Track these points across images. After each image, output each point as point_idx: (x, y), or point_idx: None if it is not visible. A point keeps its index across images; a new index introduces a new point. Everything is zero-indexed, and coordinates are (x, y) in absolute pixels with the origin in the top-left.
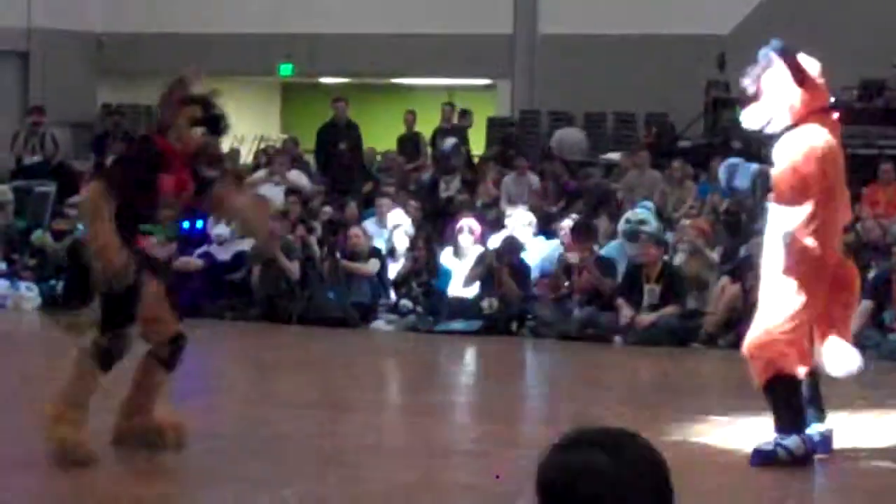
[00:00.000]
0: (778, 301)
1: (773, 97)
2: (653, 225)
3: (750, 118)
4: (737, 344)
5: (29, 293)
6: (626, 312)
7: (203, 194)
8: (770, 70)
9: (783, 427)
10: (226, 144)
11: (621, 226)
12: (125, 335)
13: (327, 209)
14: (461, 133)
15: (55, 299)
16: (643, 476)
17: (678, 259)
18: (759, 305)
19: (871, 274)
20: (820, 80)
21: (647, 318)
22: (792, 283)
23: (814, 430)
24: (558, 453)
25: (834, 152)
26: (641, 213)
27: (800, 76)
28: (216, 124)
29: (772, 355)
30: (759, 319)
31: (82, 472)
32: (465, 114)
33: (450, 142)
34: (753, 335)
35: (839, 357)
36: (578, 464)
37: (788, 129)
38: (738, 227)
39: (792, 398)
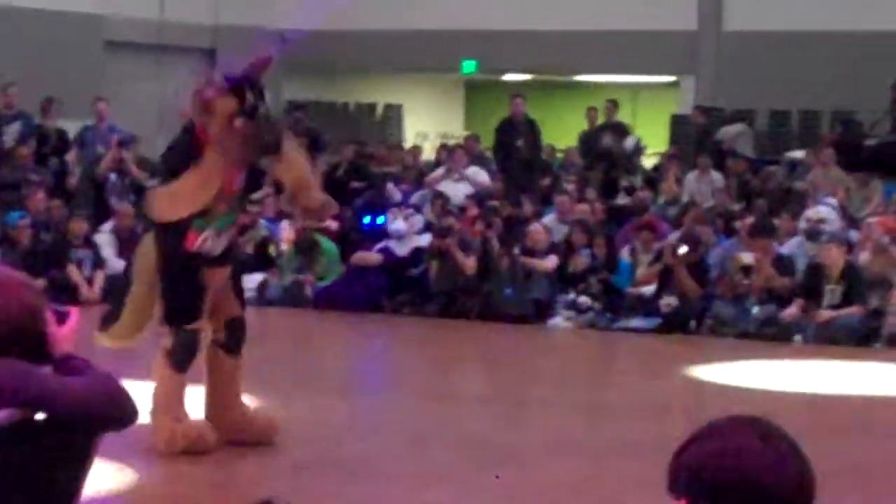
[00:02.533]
0: None
1: None
2: (834, 224)
3: None
4: None
5: None
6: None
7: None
8: None
9: None
10: (409, 141)
11: (802, 224)
12: (192, 331)
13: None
14: (620, 130)
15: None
16: (793, 457)
17: (862, 258)
18: None
19: None
20: None
21: (825, 314)
22: None
23: None
24: (705, 440)
25: None
26: (823, 211)
27: None
28: (253, 112)
29: None
30: None
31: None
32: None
33: (631, 141)
34: None
35: None
36: (732, 447)
37: None
38: None
39: None
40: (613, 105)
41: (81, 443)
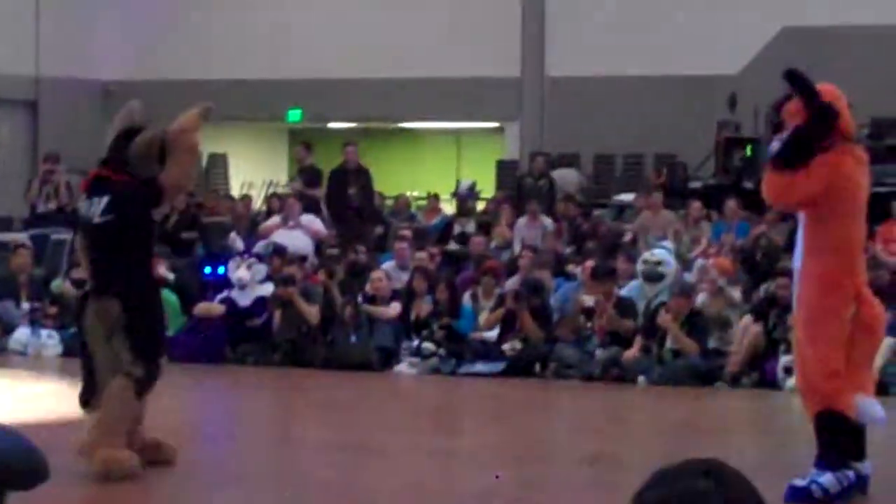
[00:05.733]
0: (824, 333)
1: (793, 126)
2: (671, 265)
3: (773, 148)
4: (760, 383)
5: (50, 341)
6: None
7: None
8: (792, 99)
9: (822, 463)
10: (235, 189)
11: (639, 266)
12: (158, 364)
13: (350, 254)
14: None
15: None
16: (748, 499)
17: (700, 299)
18: (804, 337)
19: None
20: (842, 109)
21: (667, 318)
22: (832, 315)
23: (852, 469)
24: (659, 485)
25: (855, 180)
26: (659, 253)
27: (814, 105)
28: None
29: (827, 388)
30: (808, 350)
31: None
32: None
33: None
34: (809, 366)
35: (864, 406)
36: (686, 492)
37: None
38: (755, 265)
39: (837, 435)
40: (306, 149)
41: None
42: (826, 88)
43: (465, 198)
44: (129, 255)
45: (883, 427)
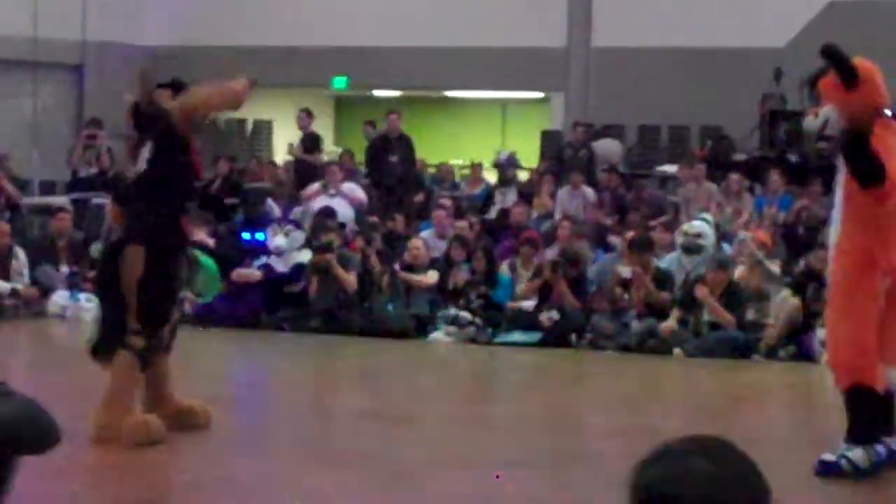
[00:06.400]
0: (857, 308)
1: (828, 100)
2: (710, 238)
3: (808, 122)
4: (797, 356)
5: (89, 304)
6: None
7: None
8: (828, 72)
9: (852, 437)
10: (279, 157)
11: (678, 238)
12: (160, 336)
13: (388, 222)
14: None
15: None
16: (745, 479)
17: (738, 272)
18: (836, 311)
19: None
20: (878, 84)
21: (703, 290)
22: (865, 291)
23: (883, 444)
24: (656, 463)
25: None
26: (698, 225)
27: (850, 78)
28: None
29: (858, 364)
30: (840, 326)
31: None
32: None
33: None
34: (840, 342)
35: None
36: (681, 471)
37: (845, 132)
38: (796, 238)
39: (867, 410)
40: (308, 115)
41: (2, 464)
42: (862, 63)
43: (505, 167)
44: (160, 207)
45: None
